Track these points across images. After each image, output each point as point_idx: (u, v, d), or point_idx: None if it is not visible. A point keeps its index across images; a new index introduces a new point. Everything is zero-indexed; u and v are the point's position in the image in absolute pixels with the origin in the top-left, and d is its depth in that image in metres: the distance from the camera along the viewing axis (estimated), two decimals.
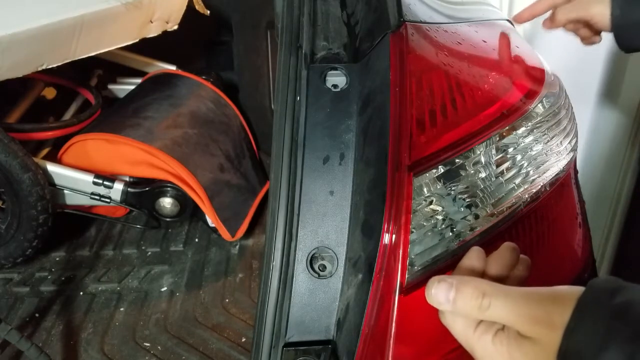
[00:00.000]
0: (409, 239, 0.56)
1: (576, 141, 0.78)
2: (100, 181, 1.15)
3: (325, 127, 0.60)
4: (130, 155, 1.17)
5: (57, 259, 1.25)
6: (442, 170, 0.59)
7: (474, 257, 0.53)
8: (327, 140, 0.59)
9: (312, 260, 0.58)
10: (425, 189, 0.58)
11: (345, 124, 0.60)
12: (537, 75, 0.73)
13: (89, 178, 1.15)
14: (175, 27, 1.34)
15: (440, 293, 0.46)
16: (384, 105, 0.58)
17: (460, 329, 0.48)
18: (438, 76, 0.62)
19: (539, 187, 0.67)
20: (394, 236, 0.55)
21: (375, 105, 0.59)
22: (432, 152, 0.59)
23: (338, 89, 0.61)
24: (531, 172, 0.67)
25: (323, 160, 0.59)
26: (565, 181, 0.75)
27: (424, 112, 0.59)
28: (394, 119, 0.57)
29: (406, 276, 0.56)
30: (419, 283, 0.57)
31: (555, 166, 0.70)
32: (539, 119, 0.68)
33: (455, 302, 0.46)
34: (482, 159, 0.62)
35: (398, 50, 0.61)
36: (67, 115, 1.35)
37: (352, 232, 0.57)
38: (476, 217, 0.61)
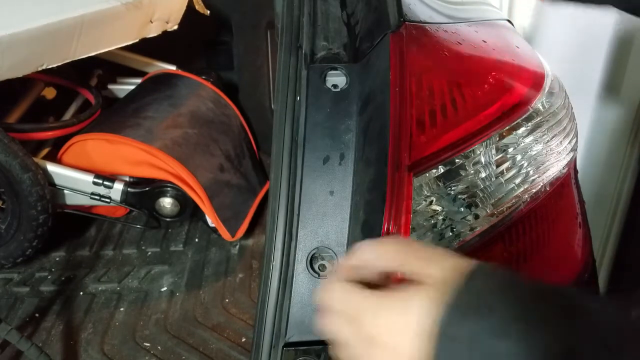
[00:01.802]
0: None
1: (576, 141, 0.78)
2: (100, 181, 1.15)
3: (325, 127, 0.60)
4: (130, 155, 1.17)
5: (57, 259, 1.25)
6: (442, 170, 0.59)
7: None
8: (327, 140, 0.59)
9: (312, 260, 0.58)
10: (425, 189, 0.58)
11: (345, 124, 0.60)
12: (537, 75, 0.73)
13: (89, 178, 1.15)
14: (175, 27, 1.34)
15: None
16: (384, 105, 0.58)
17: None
18: (438, 76, 0.62)
19: (539, 187, 0.67)
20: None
21: (375, 105, 0.59)
22: (432, 152, 0.59)
23: (338, 89, 0.61)
24: (531, 172, 0.67)
25: (323, 160, 0.59)
26: (566, 181, 0.75)
27: (424, 112, 0.59)
28: (394, 119, 0.57)
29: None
30: None
31: (555, 166, 0.70)
32: (539, 119, 0.68)
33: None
34: (482, 159, 0.62)
35: (398, 50, 0.61)
36: (67, 115, 1.35)
37: (352, 232, 0.58)
38: (476, 217, 0.61)
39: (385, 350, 0.39)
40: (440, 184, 0.59)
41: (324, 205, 0.58)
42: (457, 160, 0.60)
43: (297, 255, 0.58)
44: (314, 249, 0.58)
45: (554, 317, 0.36)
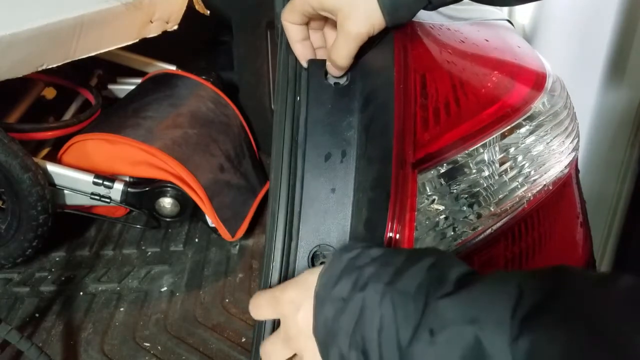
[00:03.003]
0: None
1: (578, 141, 0.78)
2: (100, 181, 1.14)
3: (326, 123, 0.59)
4: (130, 155, 1.17)
5: (57, 259, 1.25)
6: (445, 169, 0.59)
7: None
8: (328, 137, 0.59)
9: (313, 258, 0.58)
10: (428, 187, 0.58)
11: (346, 121, 0.59)
12: (539, 75, 0.73)
13: (89, 178, 1.15)
14: (175, 27, 1.34)
15: None
16: (388, 103, 0.58)
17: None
18: (442, 74, 0.62)
19: (541, 187, 0.67)
20: (397, 234, 0.55)
21: (378, 103, 0.59)
22: (436, 150, 0.58)
23: (340, 85, 0.60)
24: (532, 173, 0.67)
25: (325, 157, 0.59)
26: (567, 181, 0.75)
27: (427, 110, 0.59)
28: (398, 116, 0.57)
29: None
30: None
31: (556, 166, 0.70)
32: (541, 118, 0.68)
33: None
34: (486, 158, 0.61)
35: (402, 47, 0.60)
36: (67, 115, 1.35)
37: (355, 230, 0.57)
38: (478, 216, 0.61)
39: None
40: (443, 183, 0.59)
41: (326, 203, 0.58)
42: (460, 159, 0.60)
43: (298, 253, 0.58)
44: (315, 247, 0.57)
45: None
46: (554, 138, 0.70)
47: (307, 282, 0.50)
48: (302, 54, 0.63)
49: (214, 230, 1.25)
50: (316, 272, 0.50)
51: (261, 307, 0.53)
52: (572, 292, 0.37)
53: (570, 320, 0.36)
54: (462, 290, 0.41)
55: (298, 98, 0.62)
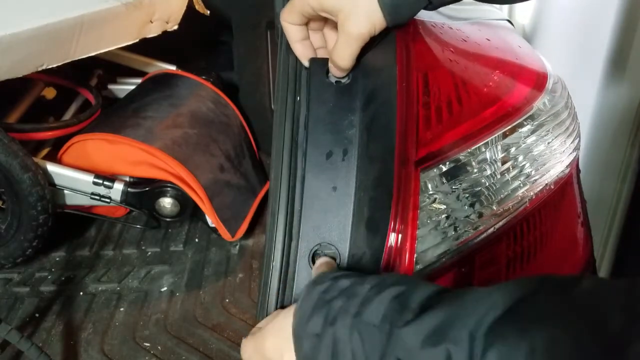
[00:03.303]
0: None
1: (579, 141, 0.78)
2: (100, 181, 1.14)
3: (328, 122, 0.59)
4: (130, 156, 1.17)
5: (57, 259, 1.25)
6: (448, 167, 0.59)
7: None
8: (329, 136, 0.59)
9: (314, 256, 0.58)
10: (429, 186, 0.58)
11: (348, 119, 0.59)
12: (540, 75, 0.73)
13: (89, 178, 1.14)
14: (175, 27, 1.34)
15: None
16: (390, 101, 0.58)
17: None
18: (444, 73, 0.62)
19: (542, 186, 0.67)
20: (400, 233, 0.55)
21: (381, 101, 0.59)
22: (438, 149, 0.58)
23: (341, 84, 0.60)
24: (533, 172, 0.67)
25: (326, 155, 0.58)
26: (568, 181, 0.75)
27: (430, 108, 0.59)
28: (400, 115, 0.57)
29: (412, 274, 0.56)
30: None
31: (558, 166, 0.70)
32: (542, 118, 0.68)
33: None
34: (487, 157, 0.61)
35: (404, 45, 0.60)
36: (67, 115, 1.35)
37: (356, 228, 0.57)
38: (480, 215, 0.61)
39: None
40: (445, 181, 0.59)
41: (327, 202, 0.58)
42: (462, 157, 0.60)
43: (298, 252, 0.58)
44: (316, 245, 0.57)
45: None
46: (555, 138, 0.70)
47: (285, 325, 0.51)
48: (303, 53, 0.63)
49: (214, 230, 1.25)
50: (291, 311, 0.51)
51: (250, 358, 0.56)
52: (541, 294, 0.38)
53: (538, 321, 0.36)
54: (425, 315, 0.41)
55: (298, 98, 0.61)
